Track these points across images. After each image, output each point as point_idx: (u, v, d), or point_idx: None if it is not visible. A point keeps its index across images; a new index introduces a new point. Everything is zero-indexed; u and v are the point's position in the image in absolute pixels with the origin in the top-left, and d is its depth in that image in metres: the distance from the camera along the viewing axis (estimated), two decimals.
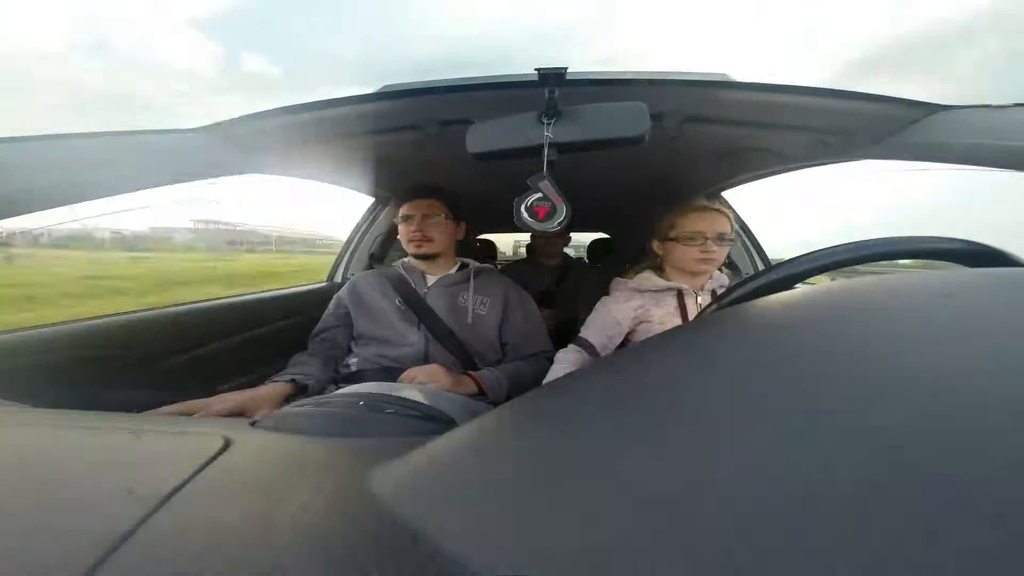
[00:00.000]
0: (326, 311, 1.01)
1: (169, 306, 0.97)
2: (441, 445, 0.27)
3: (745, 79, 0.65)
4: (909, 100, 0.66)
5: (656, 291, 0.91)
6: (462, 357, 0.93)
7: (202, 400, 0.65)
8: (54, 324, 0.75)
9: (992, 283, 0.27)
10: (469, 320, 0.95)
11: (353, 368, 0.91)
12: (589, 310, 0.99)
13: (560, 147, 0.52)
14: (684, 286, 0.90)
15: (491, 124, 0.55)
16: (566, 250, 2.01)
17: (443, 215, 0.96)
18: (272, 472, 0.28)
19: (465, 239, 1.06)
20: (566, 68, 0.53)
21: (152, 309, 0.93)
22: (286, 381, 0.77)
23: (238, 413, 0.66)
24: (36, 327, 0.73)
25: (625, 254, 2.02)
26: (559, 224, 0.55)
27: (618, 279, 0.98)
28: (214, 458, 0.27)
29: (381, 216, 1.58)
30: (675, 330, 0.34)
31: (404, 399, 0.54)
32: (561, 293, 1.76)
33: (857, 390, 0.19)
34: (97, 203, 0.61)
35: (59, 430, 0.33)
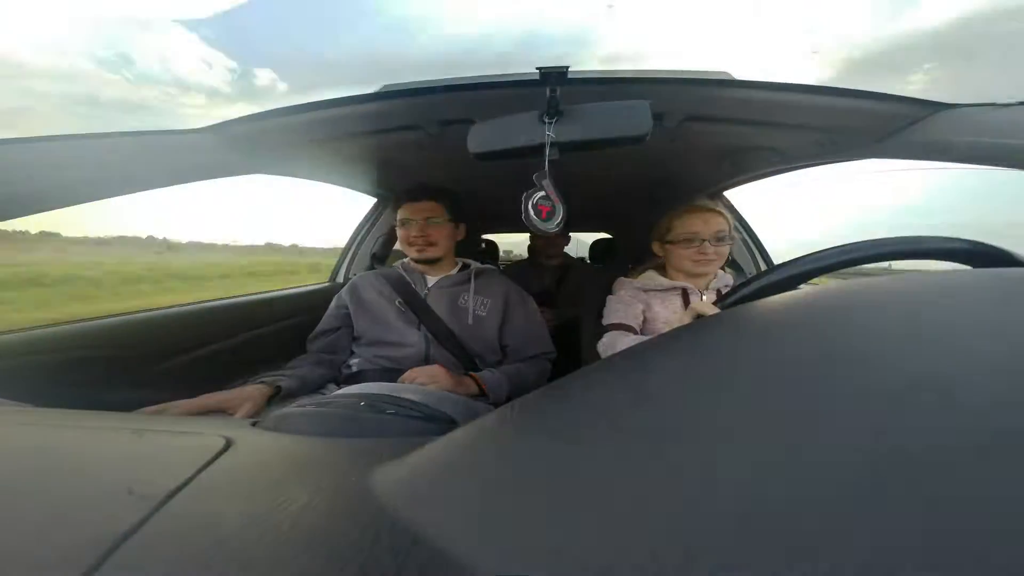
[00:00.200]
0: (327, 312, 1.01)
1: (170, 306, 0.98)
2: (441, 446, 0.27)
3: (747, 78, 0.65)
4: (912, 99, 0.66)
5: (660, 290, 0.91)
6: (463, 358, 0.93)
7: (184, 400, 0.65)
8: (54, 324, 0.75)
9: (996, 283, 0.27)
10: (470, 321, 0.94)
11: (354, 369, 0.91)
12: (591, 311, 0.98)
13: (562, 146, 0.52)
14: (688, 285, 0.89)
15: (492, 124, 0.55)
16: (566, 250, 2.00)
17: (443, 217, 0.96)
18: (273, 472, 0.28)
19: (465, 239, 1.06)
20: (567, 67, 0.53)
21: (153, 309, 0.93)
22: (261, 383, 0.76)
23: (218, 412, 0.66)
24: (36, 327, 0.73)
25: (627, 254, 2.01)
26: (557, 225, 0.55)
27: (621, 279, 0.98)
28: (215, 458, 0.27)
29: (383, 216, 1.58)
30: (677, 331, 0.34)
31: (405, 400, 0.53)
32: (562, 293, 1.75)
33: (860, 390, 0.19)
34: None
35: (59, 430, 0.33)
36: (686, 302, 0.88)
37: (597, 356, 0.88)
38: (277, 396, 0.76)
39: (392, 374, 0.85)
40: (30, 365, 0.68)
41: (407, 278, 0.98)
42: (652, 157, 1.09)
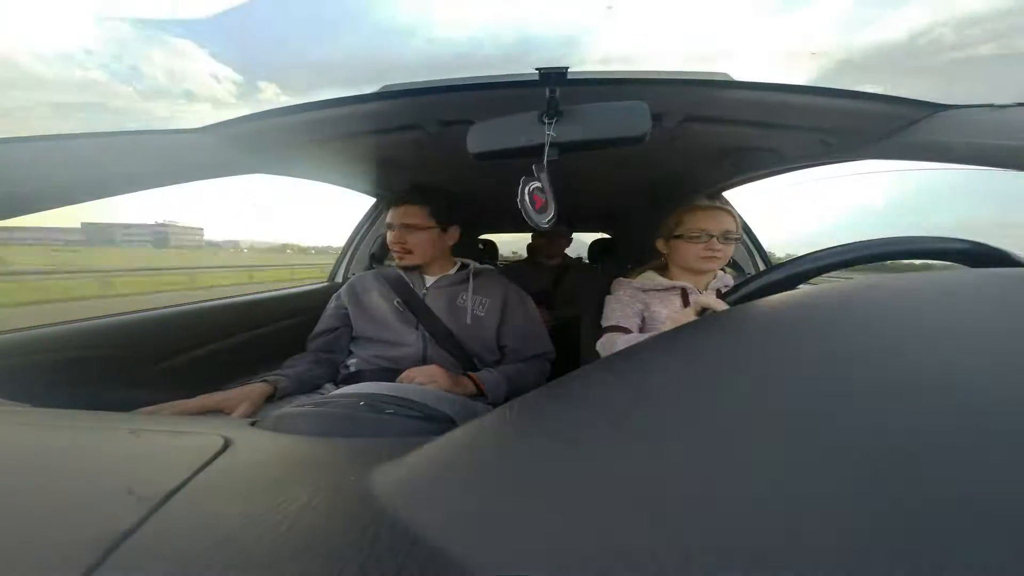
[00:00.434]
0: (325, 312, 1.00)
1: (169, 307, 0.97)
2: (441, 445, 0.27)
3: (746, 79, 0.65)
4: (911, 100, 0.66)
5: (660, 290, 0.90)
6: (461, 358, 0.93)
7: (182, 401, 0.65)
8: (54, 324, 0.75)
9: (995, 283, 0.27)
10: (468, 321, 0.94)
11: (352, 369, 0.91)
12: (590, 311, 0.98)
13: (561, 147, 0.52)
14: (688, 285, 0.89)
15: (492, 124, 0.55)
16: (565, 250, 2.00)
17: (425, 223, 0.92)
18: (272, 472, 0.28)
19: (465, 239, 1.06)
20: (567, 68, 0.53)
21: (153, 310, 0.93)
22: (260, 382, 0.77)
23: (215, 412, 0.66)
24: (36, 327, 0.73)
25: (626, 254, 2.01)
26: (548, 221, 0.55)
27: (620, 279, 0.98)
28: (214, 458, 0.27)
29: (382, 216, 1.58)
30: (676, 330, 0.34)
31: (404, 399, 0.53)
32: (560, 293, 1.75)
33: (860, 390, 0.19)
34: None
35: (59, 430, 0.33)
36: (685, 302, 0.88)
37: (596, 356, 0.88)
38: (275, 396, 0.76)
39: (390, 374, 0.85)
40: (29, 365, 0.67)
41: (405, 278, 0.98)
42: (651, 158, 1.09)
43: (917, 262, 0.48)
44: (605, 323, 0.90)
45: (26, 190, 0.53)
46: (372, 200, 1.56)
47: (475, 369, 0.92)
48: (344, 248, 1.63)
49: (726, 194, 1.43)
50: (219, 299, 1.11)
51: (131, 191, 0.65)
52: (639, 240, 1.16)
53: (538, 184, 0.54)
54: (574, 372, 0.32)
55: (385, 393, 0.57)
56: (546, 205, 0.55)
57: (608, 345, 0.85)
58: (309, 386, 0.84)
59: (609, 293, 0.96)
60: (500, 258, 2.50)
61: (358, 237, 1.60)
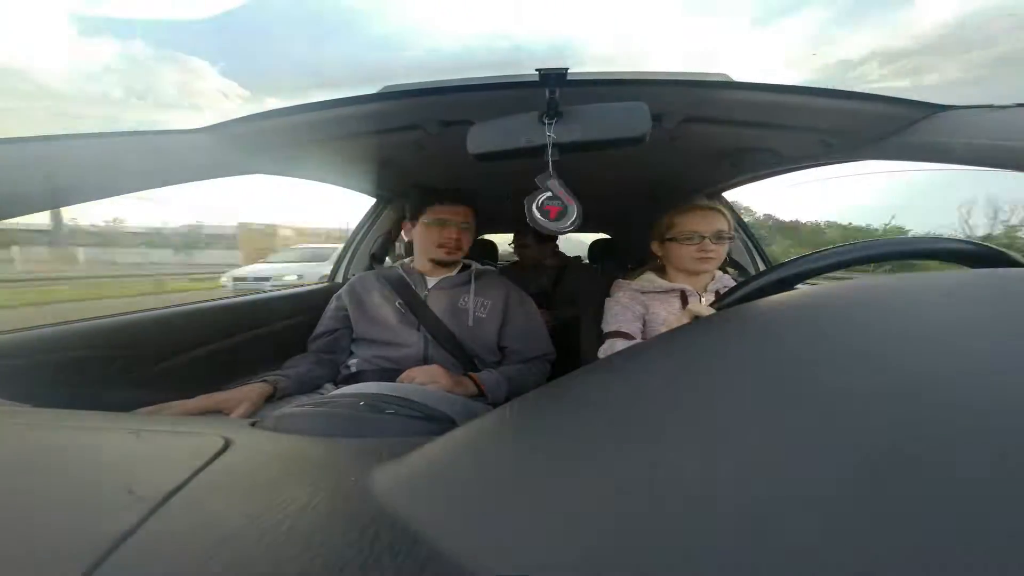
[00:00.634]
0: (325, 312, 1.00)
1: (169, 306, 0.97)
2: (441, 446, 0.27)
3: (746, 79, 0.65)
4: (910, 100, 0.66)
5: (659, 292, 0.90)
6: (462, 359, 0.93)
7: (182, 401, 0.65)
8: (54, 324, 0.75)
9: (994, 283, 0.27)
10: (470, 323, 0.94)
11: (353, 369, 0.91)
12: (590, 312, 0.98)
13: (561, 147, 0.52)
14: (687, 287, 0.89)
15: (492, 124, 0.55)
16: (564, 250, 2.00)
17: (472, 224, 0.98)
18: (272, 472, 0.28)
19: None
20: (567, 68, 0.53)
21: (153, 310, 0.92)
22: (260, 382, 0.76)
23: (215, 412, 0.66)
24: (36, 327, 0.73)
25: (626, 254, 2.01)
26: (572, 224, 0.54)
27: (620, 280, 0.98)
28: (214, 458, 0.27)
29: (382, 216, 1.58)
30: (675, 331, 0.34)
31: (404, 399, 0.53)
32: (560, 294, 1.75)
33: (858, 389, 0.19)
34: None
35: (59, 430, 0.33)
36: (685, 303, 0.88)
37: (596, 357, 0.88)
38: (275, 396, 0.76)
39: (391, 374, 0.85)
40: (28, 365, 0.67)
41: (407, 279, 0.98)
42: (651, 158, 1.09)
43: (916, 262, 0.48)
44: (606, 328, 0.90)
45: (26, 190, 0.53)
46: (372, 200, 1.56)
47: (476, 369, 0.92)
48: (344, 248, 1.63)
49: (726, 194, 1.43)
50: (219, 299, 1.11)
51: (131, 191, 0.65)
52: (639, 240, 1.16)
53: (548, 195, 0.54)
54: (574, 372, 0.32)
55: (385, 393, 0.57)
56: (565, 210, 0.54)
57: (610, 351, 0.85)
58: (309, 386, 0.84)
59: (609, 294, 0.96)
60: (500, 258, 2.50)
61: (358, 237, 1.60)
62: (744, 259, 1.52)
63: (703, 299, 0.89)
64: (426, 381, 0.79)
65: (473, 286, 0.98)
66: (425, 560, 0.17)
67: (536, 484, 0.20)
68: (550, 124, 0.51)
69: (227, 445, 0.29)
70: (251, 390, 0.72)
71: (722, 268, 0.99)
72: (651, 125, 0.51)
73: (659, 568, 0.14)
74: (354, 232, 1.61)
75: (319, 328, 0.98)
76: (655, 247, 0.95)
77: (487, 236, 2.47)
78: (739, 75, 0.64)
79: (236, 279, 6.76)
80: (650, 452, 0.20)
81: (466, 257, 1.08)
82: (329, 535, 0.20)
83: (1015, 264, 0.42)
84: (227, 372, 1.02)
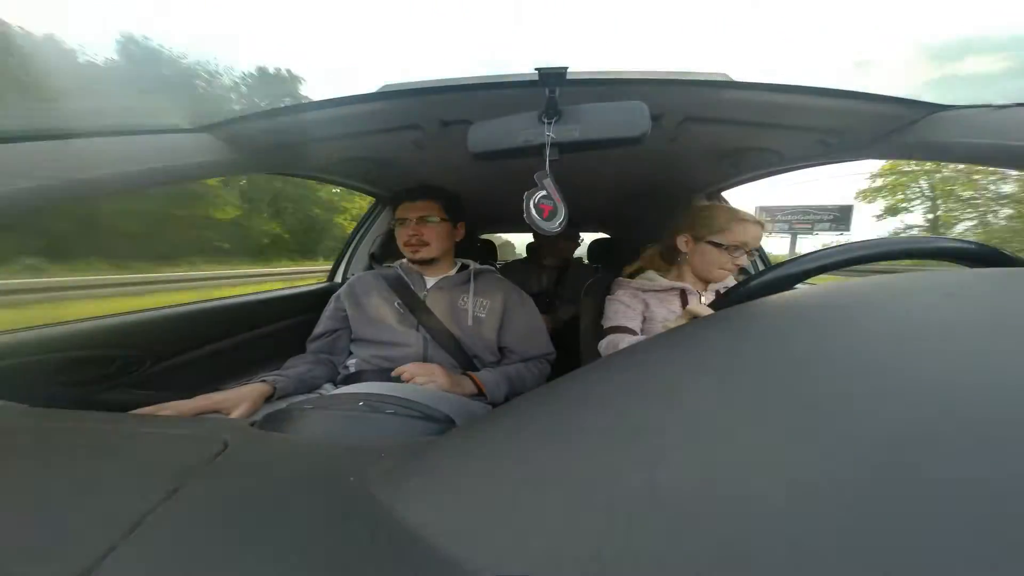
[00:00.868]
0: (324, 312, 1.00)
1: (169, 306, 0.97)
2: (440, 445, 0.27)
3: (745, 79, 0.65)
4: (909, 100, 0.66)
5: (659, 291, 0.90)
6: (461, 359, 0.93)
7: (180, 401, 0.64)
8: (54, 324, 0.75)
9: (993, 283, 0.27)
10: (469, 323, 0.94)
11: (352, 369, 0.90)
12: (590, 312, 0.98)
13: (561, 147, 0.52)
14: (687, 286, 0.89)
15: (492, 124, 0.55)
16: None
17: (438, 217, 0.95)
18: (271, 472, 0.28)
19: (466, 240, 1.06)
20: (566, 68, 0.53)
21: (153, 309, 0.92)
22: (259, 382, 0.76)
23: (214, 413, 0.65)
24: (36, 327, 0.73)
25: (626, 254, 2.01)
26: (559, 225, 0.55)
27: (619, 279, 0.98)
28: (213, 458, 0.27)
29: (381, 216, 1.58)
30: (675, 330, 0.34)
31: (404, 399, 0.53)
32: (560, 294, 1.75)
33: (857, 389, 0.19)
34: None
35: (56, 430, 0.33)
36: (684, 303, 0.88)
37: (596, 356, 0.88)
38: (274, 396, 0.76)
39: (390, 375, 0.85)
40: (28, 365, 0.67)
41: (406, 279, 0.98)
42: (651, 158, 1.09)
43: (915, 262, 0.48)
44: (607, 324, 0.89)
45: (26, 190, 0.53)
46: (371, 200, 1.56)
47: (475, 369, 0.92)
48: (344, 248, 1.63)
49: (725, 194, 1.43)
50: (219, 299, 1.11)
51: (131, 190, 0.65)
52: (639, 240, 1.16)
53: (543, 193, 0.54)
54: (573, 372, 0.32)
55: (385, 393, 0.57)
56: (555, 210, 0.55)
57: (611, 346, 0.85)
58: (308, 386, 0.84)
59: (609, 293, 0.96)
60: (501, 257, 2.50)
61: (357, 237, 1.60)
62: (743, 259, 1.52)
63: (703, 298, 0.89)
64: (425, 379, 0.79)
65: (472, 286, 0.98)
66: (425, 560, 0.17)
67: (536, 484, 0.20)
68: (549, 123, 0.52)
69: (226, 445, 0.29)
70: (250, 390, 0.72)
71: None
72: (650, 125, 0.51)
73: (659, 568, 0.14)
74: (353, 232, 1.61)
75: (318, 328, 0.98)
76: (683, 242, 0.91)
77: (486, 236, 2.47)
78: (739, 75, 0.65)
79: None
80: (650, 452, 0.20)
81: (462, 255, 1.07)
82: (329, 535, 0.20)
83: (1015, 263, 0.42)
84: (226, 372, 1.02)
